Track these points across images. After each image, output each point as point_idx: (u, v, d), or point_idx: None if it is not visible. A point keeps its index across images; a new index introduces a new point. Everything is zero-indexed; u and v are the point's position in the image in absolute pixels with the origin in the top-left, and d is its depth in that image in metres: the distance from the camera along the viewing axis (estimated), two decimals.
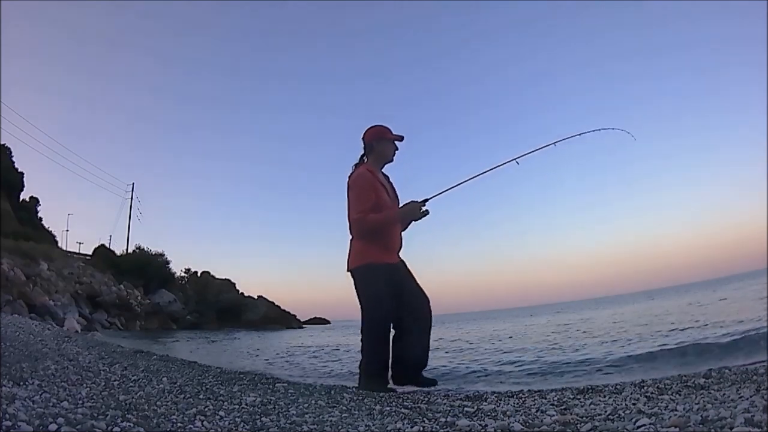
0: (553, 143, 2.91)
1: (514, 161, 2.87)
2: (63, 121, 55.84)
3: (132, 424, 1.29)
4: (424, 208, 2.86)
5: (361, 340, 2.79)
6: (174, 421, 1.43)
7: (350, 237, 2.91)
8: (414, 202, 2.86)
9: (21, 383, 1.76)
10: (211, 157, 73.59)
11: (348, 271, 2.86)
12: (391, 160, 3.01)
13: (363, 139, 3.00)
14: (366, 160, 3.00)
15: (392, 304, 2.73)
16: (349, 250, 2.88)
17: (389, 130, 2.99)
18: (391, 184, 3.07)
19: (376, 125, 3.01)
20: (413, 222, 2.96)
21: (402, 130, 3.00)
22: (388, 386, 2.71)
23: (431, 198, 2.89)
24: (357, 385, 2.77)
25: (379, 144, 2.96)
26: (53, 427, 1.14)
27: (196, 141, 72.35)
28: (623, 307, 21.46)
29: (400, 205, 2.92)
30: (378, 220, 2.75)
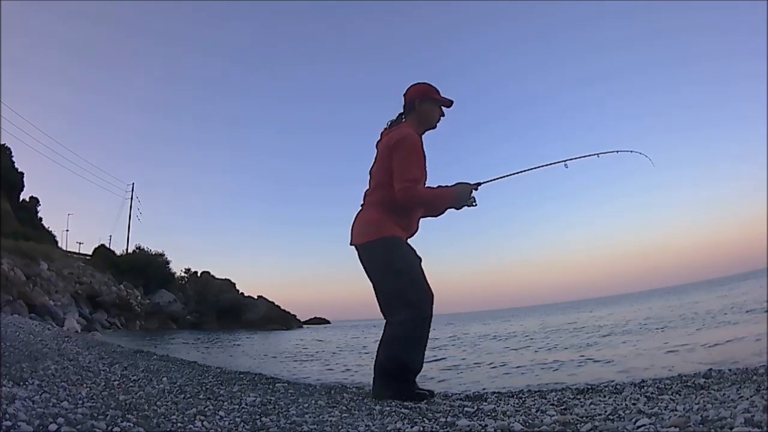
0: (596, 154, 2.76)
1: (563, 164, 2.66)
2: (63, 121, 56.05)
3: (132, 424, 1.28)
4: (473, 194, 2.44)
5: (397, 328, 2.23)
6: (174, 421, 1.43)
7: (362, 203, 2.47)
8: (465, 184, 2.42)
9: (21, 383, 1.76)
10: (211, 157, 73.67)
11: (358, 244, 2.36)
12: (434, 127, 2.56)
13: (405, 95, 2.55)
14: (405, 120, 2.53)
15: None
16: (358, 219, 2.41)
17: (437, 90, 2.54)
18: None
19: (417, 83, 2.56)
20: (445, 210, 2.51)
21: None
22: (417, 391, 2.22)
23: (485, 183, 2.49)
24: (374, 390, 2.26)
25: (424, 104, 2.49)
26: (53, 427, 1.14)
27: (196, 141, 72.55)
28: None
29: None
30: (428, 196, 2.34)
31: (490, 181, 2.54)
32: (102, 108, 64.39)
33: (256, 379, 3.12)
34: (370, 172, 2.50)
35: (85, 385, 2.04)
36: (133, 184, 33.44)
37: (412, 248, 2.39)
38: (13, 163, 26.01)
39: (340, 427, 1.50)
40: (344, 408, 1.87)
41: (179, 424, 1.39)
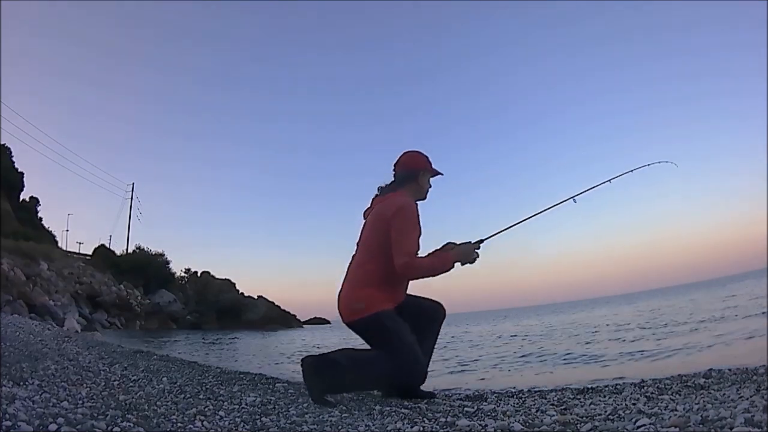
0: (609, 180, 2.60)
1: (572, 200, 2.52)
2: (63, 121, 56.04)
3: (132, 424, 1.29)
4: (477, 251, 2.34)
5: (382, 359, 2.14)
6: (174, 421, 1.43)
7: (347, 272, 2.36)
8: (467, 244, 2.33)
9: (21, 383, 1.76)
10: (211, 157, 73.70)
11: (349, 322, 2.27)
12: (425, 198, 2.48)
13: (400, 163, 2.45)
14: (396, 189, 2.42)
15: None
16: (346, 295, 2.29)
17: (430, 161, 2.48)
18: None
19: (417, 152, 2.48)
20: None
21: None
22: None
23: (487, 239, 2.38)
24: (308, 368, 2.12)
25: (426, 176, 2.44)
26: (53, 427, 1.14)
27: (196, 141, 72.55)
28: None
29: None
30: (428, 267, 2.25)
31: (493, 236, 2.40)
32: (102, 108, 64.22)
33: (256, 379, 3.12)
34: (357, 243, 2.40)
35: (85, 385, 2.04)
36: (133, 184, 33.45)
37: (402, 314, 2.27)
38: (13, 163, 25.99)
39: (340, 427, 1.50)
40: (344, 408, 1.87)
41: (179, 424, 1.39)
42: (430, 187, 2.49)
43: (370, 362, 2.13)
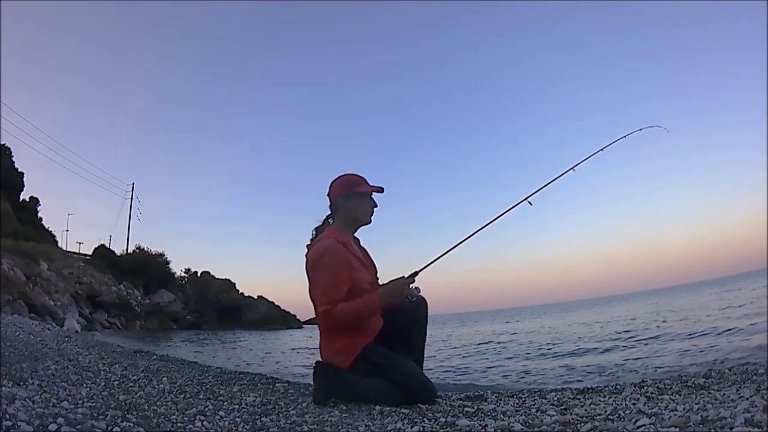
0: (571, 167, 2.42)
1: (527, 202, 2.32)
2: (63, 121, 55.79)
3: (132, 424, 1.29)
4: (414, 286, 2.16)
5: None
6: (174, 421, 1.44)
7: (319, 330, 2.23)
8: (400, 278, 2.15)
9: (21, 383, 1.76)
10: (211, 157, 73.65)
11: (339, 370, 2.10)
12: (368, 222, 2.30)
13: (329, 194, 2.29)
14: (332, 222, 2.30)
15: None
16: (323, 347, 2.19)
17: (362, 180, 2.26)
18: (366, 251, 2.36)
19: (344, 175, 2.27)
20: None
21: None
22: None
23: (422, 270, 2.18)
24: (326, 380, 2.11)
25: (348, 201, 2.24)
26: (53, 427, 1.14)
27: (196, 141, 72.40)
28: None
29: (383, 283, 2.23)
30: (351, 313, 2.06)
31: (431, 264, 2.20)
32: (102, 107, 64.04)
33: (256, 379, 3.12)
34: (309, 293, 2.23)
35: (85, 385, 2.04)
36: (133, 184, 33.43)
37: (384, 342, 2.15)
38: (13, 163, 25.97)
39: (340, 427, 1.50)
40: (344, 408, 1.87)
41: (179, 424, 1.40)
42: (376, 205, 2.29)
43: (378, 390, 2.07)
